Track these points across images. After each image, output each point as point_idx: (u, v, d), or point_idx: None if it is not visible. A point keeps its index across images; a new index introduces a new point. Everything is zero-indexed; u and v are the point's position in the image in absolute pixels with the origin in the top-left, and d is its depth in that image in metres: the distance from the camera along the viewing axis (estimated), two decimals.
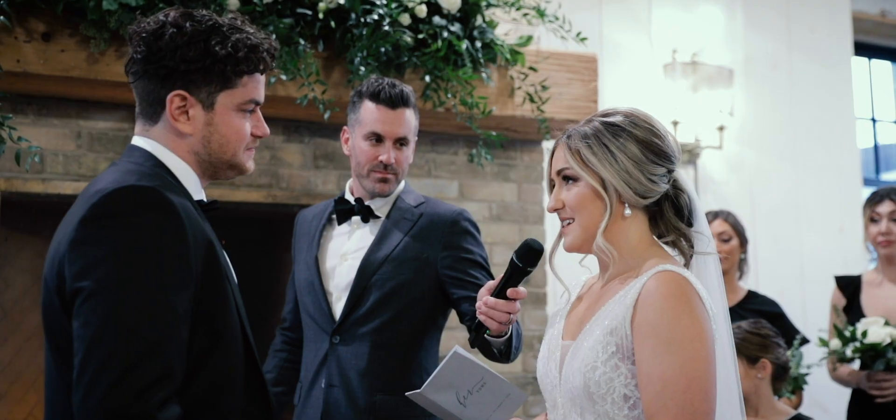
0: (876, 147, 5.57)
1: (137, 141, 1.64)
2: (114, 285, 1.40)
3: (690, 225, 1.74)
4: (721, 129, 4.52)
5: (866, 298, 3.42)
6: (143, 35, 1.59)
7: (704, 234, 1.75)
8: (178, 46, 1.57)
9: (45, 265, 1.54)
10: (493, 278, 2.15)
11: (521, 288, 1.84)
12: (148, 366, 1.38)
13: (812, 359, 3.34)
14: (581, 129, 1.71)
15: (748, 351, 2.64)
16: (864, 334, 3.17)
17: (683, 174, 1.75)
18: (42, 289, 1.54)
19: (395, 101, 2.37)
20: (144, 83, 1.61)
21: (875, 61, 5.61)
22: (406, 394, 1.88)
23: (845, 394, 3.53)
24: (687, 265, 1.72)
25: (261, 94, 1.67)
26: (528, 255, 1.82)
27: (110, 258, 1.41)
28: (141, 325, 1.40)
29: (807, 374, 3.07)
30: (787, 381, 2.89)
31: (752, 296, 3.43)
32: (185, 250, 1.47)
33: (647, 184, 1.67)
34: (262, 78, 1.67)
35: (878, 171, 5.55)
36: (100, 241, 1.43)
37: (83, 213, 1.45)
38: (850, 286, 3.48)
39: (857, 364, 3.32)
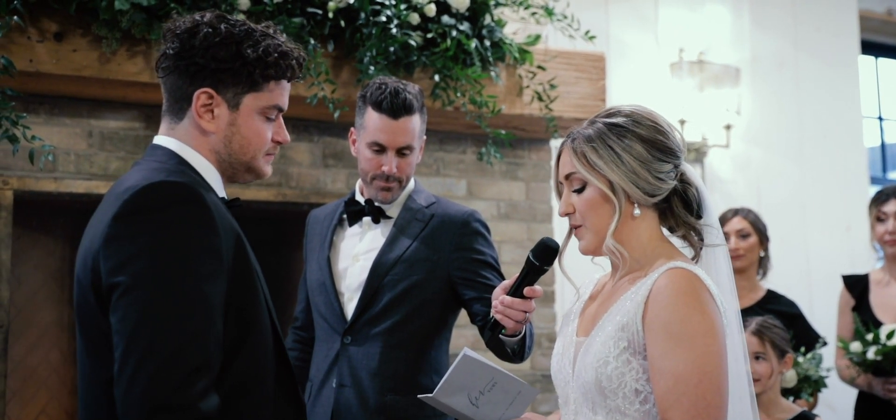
0: (883, 145, 5.58)
1: (160, 140, 1.66)
2: (149, 279, 1.42)
3: (700, 217, 1.75)
4: (728, 127, 4.53)
5: (875, 298, 3.41)
6: (178, 32, 1.62)
7: (713, 226, 1.76)
8: (211, 45, 1.59)
9: (77, 264, 1.56)
10: (504, 278, 2.16)
11: (537, 286, 1.86)
12: (187, 356, 1.40)
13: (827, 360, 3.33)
14: (585, 131, 1.71)
15: (781, 344, 2.62)
16: (891, 335, 3.12)
17: (690, 168, 1.76)
18: (75, 288, 1.56)
19: (398, 111, 2.33)
20: (174, 78, 1.63)
21: (882, 60, 5.62)
22: (418, 396, 1.89)
23: (852, 392, 3.53)
24: (697, 257, 1.73)
25: (285, 102, 1.69)
26: (545, 254, 1.83)
27: (145, 253, 1.43)
28: (178, 316, 1.41)
29: (826, 377, 3.06)
30: (808, 383, 2.88)
31: (772, 296, 3.38)
32: (216, 243, 1.49)
33: (654, 182, 1.68)
34: (288, 86, 1.69)
35: (885, 169, 5.55)
36: (133, 236, 1.45)
37: (115, 210, 1.47)
38: (857, 285, 3.47)
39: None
